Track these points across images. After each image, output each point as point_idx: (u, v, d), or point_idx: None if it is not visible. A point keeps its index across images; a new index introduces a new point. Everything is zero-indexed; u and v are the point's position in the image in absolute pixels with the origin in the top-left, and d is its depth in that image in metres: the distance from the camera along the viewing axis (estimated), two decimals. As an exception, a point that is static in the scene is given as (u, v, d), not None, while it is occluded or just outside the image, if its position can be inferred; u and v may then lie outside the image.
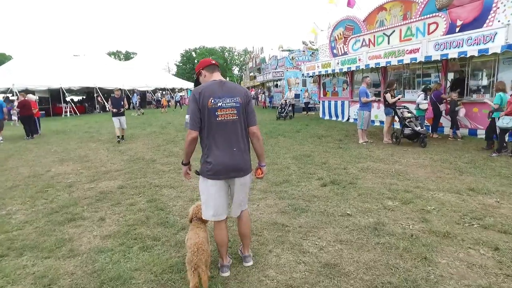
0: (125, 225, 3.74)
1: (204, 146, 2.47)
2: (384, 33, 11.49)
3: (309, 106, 19.00)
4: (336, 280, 2.52)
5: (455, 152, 6.88)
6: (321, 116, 16.17)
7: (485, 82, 9.01)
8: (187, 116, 2.39)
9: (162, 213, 4.05)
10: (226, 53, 71.95)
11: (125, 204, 4.44)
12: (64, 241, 3.36)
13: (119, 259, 2.96)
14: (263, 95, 26.74)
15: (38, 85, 22.15)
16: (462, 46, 7.88)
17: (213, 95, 2.37)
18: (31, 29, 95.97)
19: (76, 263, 2.94)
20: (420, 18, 10.02)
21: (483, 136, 8.08)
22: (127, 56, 64.01)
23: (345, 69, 12.52)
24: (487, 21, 8.21)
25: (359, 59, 11.54)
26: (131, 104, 24.53)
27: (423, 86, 9.33)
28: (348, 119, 13.82)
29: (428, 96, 8.64)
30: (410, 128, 7.87)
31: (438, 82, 9.57)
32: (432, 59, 8.73)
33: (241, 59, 70.73)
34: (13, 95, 20.64)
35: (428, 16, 9.76)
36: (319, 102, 16.92)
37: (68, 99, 24.18)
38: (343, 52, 13.98)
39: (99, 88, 25.49)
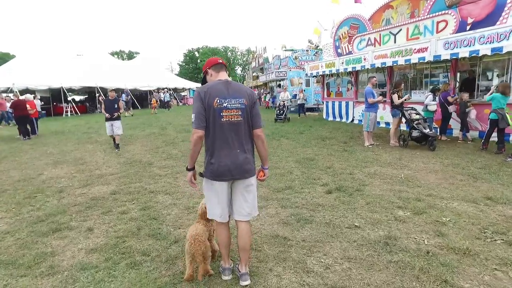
0: (114, 236, 3.44)
1: (208, 147, 2.44)
2: (390, 32, 11.12)
3: (308, 107, 18.29)
4: (345, 308, 2.21)
5: (467, 156, 6.54)
6: (324, 117, 15.83)
7: (496, 82, 8.63)
8: (193, 115, 2.35)
9: (155, 223, 3.75)
10: (229, 53, 71.64)
11: (116, 212, 4.15)
12: (46, 256, 3.07)
13: (103, 278, 2.66)
14: (267, 95, 26.38)
15: (38, 85, 21.95)
16: (473, 45, 7.52)
17: (219, 95, 2.33)
18: (36, 29, 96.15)
19: (54, 282, 2.64)
20: (428, 16, 9.65)
21: (495, 139, 7.74)
22: (130, 56, 63.86)
23: (349, 69, 12.18)
24: (501, 18, 7.83)
25: (364, 59, 11.20)
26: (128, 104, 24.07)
27: (431, 87, 8.98)
28: (353, 120, 13.48)
29: (437, 97, 8.29)
30: (418, 131, 7.53)
31: (447, 82, 9.21)
32: (442, 58, 8.38)
33: (244, 59, 70.41)
34: (14, 95, 20.46)
35: (437, 14, 9.40)
36: (323, 102, 16.58)
37: (69, 98, 24.01)
38: (347, 51, 13.63)
39: (100, 87, 25.26)
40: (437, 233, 3.25)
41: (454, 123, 8.88)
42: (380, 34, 11.56)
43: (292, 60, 22.64)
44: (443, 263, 2.69)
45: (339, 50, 14.46)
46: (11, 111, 14.07)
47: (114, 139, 8.73)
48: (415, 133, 7.65)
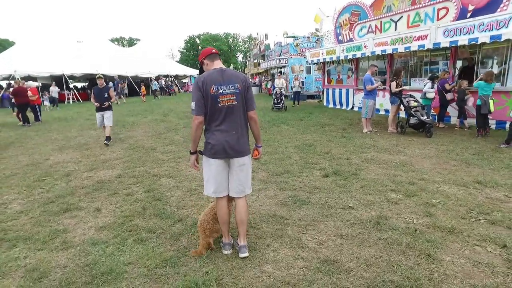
0: (121, 216, 3.66)
1: (207, 129, 2.66)
2: (391, 19, 11.10)
3: (308, 94, 17.84)
4: (335, 278, 2.42)
5: (462, 143, 6.69)
6: (325, 104, 15.91)
7: (495, 70, 8.69)
8: (192, 103, 2.56)
9: (159, 204, 3.96)
10: (230, 40, 70.95)
11: (122, 194, 4.36)
12: (58, 233, 3.29)
13: (113, 252, 2.88)
14: (268, 82, 26.34)
15: (40, 72, 22.00)
16: (473, 33, 7.56)
17: (215, 82, 2.52)
18: (34, 14, 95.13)
19: (69, 255, 2.87)
20: (429, 3, 9.63)
21: (494, 126, 7.89)
22: (131, 43, 63.35)
23: (350, 56, 12.20)
24: (502, 5, 7.83)
25: (365, 46, 11.21)
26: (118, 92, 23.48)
27: (430, 74, 9.05)
28: (353, 107, 13.57)
29: (435, 85, 8.38)
30: (415, 118, 7.67)
31: (446, 70, 9.27)
32: (441, 46, 8.42)
33: (246, 45, 69.77)
34: (15, 82, 20.52)
35: (438, 1, 9.37)
36: (323, 89, 16.62)
37: (71, 86, 24.07)
38: (348, 38, 13.60)
39: (102, 74, 25.23)
40: (426, 214, 3.45)
41: (452, 111, 8.99)
42: (381, 21, 11.54)
43: (293, 47, 22.53)
44: (428, 240, 2.89)
45: (340, 37, 14.42)
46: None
47: (109, 137, 7.82)
48: (412, 120, 7.78)
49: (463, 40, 7.77)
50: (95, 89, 7.94)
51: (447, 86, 8.38)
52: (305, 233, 3.13)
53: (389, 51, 10.20)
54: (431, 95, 8.24)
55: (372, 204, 3.76)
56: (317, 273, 2.49)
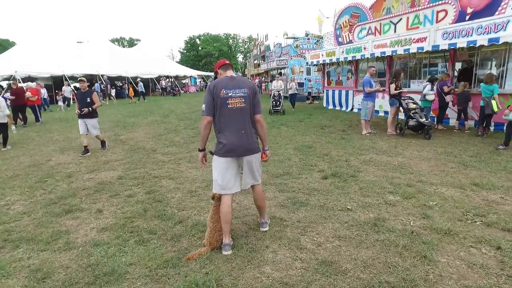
0: (122, 217, 3.71)
1: (217, 130, 2.91)
2: (391, 21, 11.16)
3: (297, 97, 16.64)
4: (332, 278, 2.48)
5: (460, 145, 6.75)
6: (324, 105, 15.97)
7: (494, 72, 8.74)
8: (203, 105, 2.98)
9: (160, 205, 4.02)
10: (231, 40, 70.91)
11: (123, 196, 4.41)
12: (61, 234, 3.34)
13: (115, 253, 2.93)
14: (268, 84, 26.39)
15: (40, 72, 22.05)
16: (471, 35, 7.62)
17: (225, 87, 2.82)
18: (34, 15, 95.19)
19: (71, 256, 2.92)
20: (428, 5, 9.69)
21: (492, 128, 7.94)
22: (131, 43, 63.36)
23: (349, 58, 12.26)
24: (500, 8, 7.89)
25: (365, 48, 11.27)
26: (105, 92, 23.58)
27: (429, 76, 9.10)
28: (352, 108, 13.63)
29: (434, 87, 8.43)
30: (414, 120, 7.72)
31: (446, 72, 9.33)
32: (440, 48, 8.47)
33: (246, 46, 69.79)
34: (13, 83, 20.58)
35: (437, 3, 9.44)
36: (323, 91, 16.67)
37: (72, 86, 24.09)
38: (348, 40, 13.66)
39: (102, 75, 25.33)
40: (423, 216, 3.50)
41: (451, 113, 9.05)
42: (380, 23, 11.60)
43: (293, 48, 22.58)
44: (425, 242, 2.94)
45: (339, 39, 14.48)
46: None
47: (85, 147, 6.97)
48: (411, 122, 7.83)
49: (461, 42, 7.83)
50: (78, 94, 7.08)
51: (446, 89, 8.43)
52: (304, 235, 3.18)
53: (388, 53, 10.26)
54: (430, 97, 8.30)
55: (370, 206, 3.81)
56: (315, 274, 2.54)
